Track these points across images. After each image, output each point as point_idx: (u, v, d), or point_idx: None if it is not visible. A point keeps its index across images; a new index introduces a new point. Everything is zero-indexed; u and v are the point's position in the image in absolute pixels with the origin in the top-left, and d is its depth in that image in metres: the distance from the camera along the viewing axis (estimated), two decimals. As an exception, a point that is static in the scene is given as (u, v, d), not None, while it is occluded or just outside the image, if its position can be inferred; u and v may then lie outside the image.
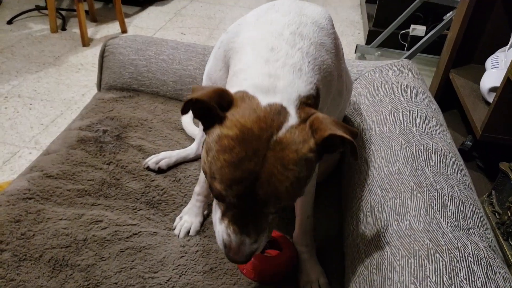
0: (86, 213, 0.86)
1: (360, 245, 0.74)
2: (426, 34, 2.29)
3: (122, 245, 0.81)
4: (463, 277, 0.56)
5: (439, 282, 0.56)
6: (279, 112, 0.56)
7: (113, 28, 2.76)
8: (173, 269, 0.78)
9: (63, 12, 2.81)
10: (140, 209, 0.91)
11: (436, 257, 0.59)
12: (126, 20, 2.78)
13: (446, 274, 0.56)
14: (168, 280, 0.76)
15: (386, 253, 0.65)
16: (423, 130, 0.88)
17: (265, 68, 0.61)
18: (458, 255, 0.59)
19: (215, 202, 0.62)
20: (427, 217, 0.67)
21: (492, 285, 0.55)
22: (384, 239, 0.68)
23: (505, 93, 1.23)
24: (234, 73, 0.64)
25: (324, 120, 0.56)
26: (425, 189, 0.73)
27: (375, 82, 1.09)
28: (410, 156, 0.81)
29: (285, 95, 0.58)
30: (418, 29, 2.41)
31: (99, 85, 1.30)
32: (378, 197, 0.78)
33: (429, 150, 0.82)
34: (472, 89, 1.53)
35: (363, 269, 0.69)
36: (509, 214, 1.16)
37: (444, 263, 0.58)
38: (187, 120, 1.17)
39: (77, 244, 0.80)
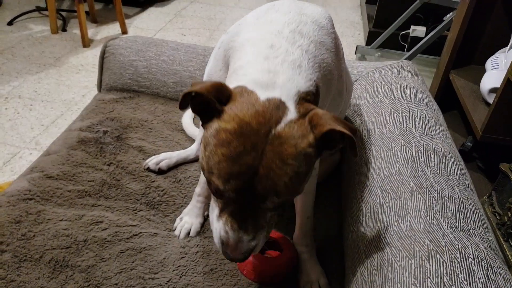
0: (87, 214, 0.86)
1: (360, 245, 0.74)
2: (426, 35, 2.29)
3: (123, 246, 0.81)
4: (464, 278, 0.56)
5: (439, 283, 0.56)
6: (278, 106, 0.56)
7: (113, 29, 2.77)
8: (174, 270, 0.78)
9: (64, 13, 2.82)
10: (141, 210, 0.91)
11: (437, 258, 0.59)
12: (126, 21, 2.78)
13: (447, 275, 0.56)
14: (168, 281, 0.76)
15: (386, 254, 0.65)
16: (424, 131, 0.88)
17: (265, 64, 0.60)
18: (459, 256, 0.59)
19: (212, 200, 0.61)
20: (428, 218, 0.67)
21: (492, 286, 0.55)
22: (384, 240, 0.68)
23: (505, 94, 1.23)
24: (233, 71, 0.64)
25: (324, 116, 0.55)
26: (425, 190, 0.73)
27: (375, 83, 1.09)
28: (411, 157, 0.81)
29: (284, 90, 0.58)
30: (418, 30, 2.41)
31: (100, 86, 1.31)
32: (378, 198, 0.78)
33: (430, 151, 0.82)
34: (472, 90, 1.53)
35: (364, 270, 0.69)
36: (510, 215, 1.16)
37: (444, 264, 0.58)
38: (188, 121, 1.17)
39: (77, 245, 0.80)
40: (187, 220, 0.88)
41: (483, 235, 0.65)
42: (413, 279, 0.58)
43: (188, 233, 0.87)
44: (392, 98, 1.01)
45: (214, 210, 0.61)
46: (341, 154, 1.07)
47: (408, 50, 2.40)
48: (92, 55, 2.41)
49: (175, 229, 0.88)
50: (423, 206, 0.70)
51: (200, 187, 0.89)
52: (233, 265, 0.81)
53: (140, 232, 0.84)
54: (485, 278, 0.56)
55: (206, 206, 0.91)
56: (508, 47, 1.47)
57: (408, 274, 0.59)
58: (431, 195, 0.71)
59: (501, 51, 1.53)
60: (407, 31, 2.48)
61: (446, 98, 1.73)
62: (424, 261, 0.59)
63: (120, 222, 0.86)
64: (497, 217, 1.22)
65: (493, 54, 1.55)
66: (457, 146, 0.99)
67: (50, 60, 2.35)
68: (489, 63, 1.51)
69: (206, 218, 0.91)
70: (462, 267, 0.57)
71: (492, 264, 0.59)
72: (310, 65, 0.63)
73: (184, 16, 3.06)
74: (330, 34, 0.70)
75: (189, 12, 3.14)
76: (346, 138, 0.56)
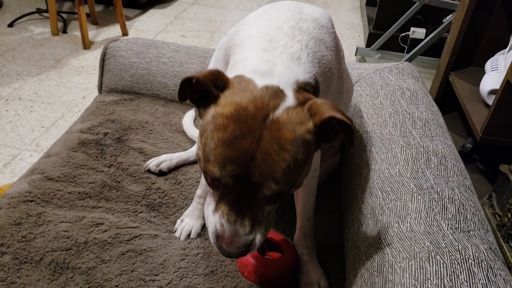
0: (87, 215, 0.86)
1: (361, 247, 0.74)
2: (426, 36, 2.29)
3: (123, 247, 0.81)
4: (464, 279, 0.56)
5: (440, 285, 0.56)
6: (276, 93, 0.55)
7: (114, 31, 2.77)
8: (174, 272, 0.78)
9: (64, 15, 2.82)
10: (141, 212, 0.91)
11: (437, 259, 0.59)
12: (127, 23, 2.79)
13: (447, 276, 0.57)
14: (169, 283, 0.76)
15: (387, 255, 0.65)
16: (424, 133, 0.88)
17: (263, 55, 0.60)
18: (459, 257, 0.59)
19: (208, 195, 0.60)
20: (428, 219, 0.67)
21: (493, 287, 0.55)
22: (384, 241, 0.68)
23: (505, 96, 1.23)
24: (232, 65, 0.64)
25: (323, 104, 0.55)
26: (425, 191, 0.73)
27: (376, 85, 1.10)
28: (411, 158, 0.81)
29: (283, 78, 0.58)
30: (418, 32, 2.42)
31: (100, 88, 1.31)
32: (378, 199, 0.78)
33: (430, 153, 0.82)
34: (472, 92, 1.53)
35: (364, 271, 0.69)
36: (510, 216, 1.16)
37: (445, 265, 0.58)
38: (188, 123, 1.17)
39: (77, 247, 0.80)
40: (188, 222, 0.88)
41: (483, 236, 0.65)
42: (413, 281, 0.58)
43: (189, 235, 0.87)
44: (392, 99, 1.01)
45: (210, 205, 0.59)
46: (341, 155, 1.07)
47: (408, 52, 2.40)
48: (93, 57, 2.42)
49: (175, 231, 0.88)
50: (423, 208, 0.70)
51: (201, 189, 0.89)
52: (233, 267, 0.81)
53: (141, 234, 0.84)
54: (485, 279, 0.56)
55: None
56: (507, 48, 1.47)
57: (408, 276, 0.59)
58: (431, 197, 0.71)
59: (500, 52, 1.53)
60: (407, 33, 2.49)
61: (446, 100, 1.74)
62: (425, 262, 0.59)
63: (120, 224, 0.86)
64: (497, 219, 1.22)
65: (492, 55, 1.55)
66: (457, 148, 1.00)
67: (51, 62, 2.35)
68: (488, 65, 1.51)
69: (206, 220, 0.91)
70: (463, 268, 0.57)
71: (492, 266, 0.59)
72: (309, 59, 0.62)
73: (185, 18, 3.07)
74: (330, 33, 0.71)
75: (189, 14, 3.15)
76: (345, 126, 0.55)
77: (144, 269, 0.78)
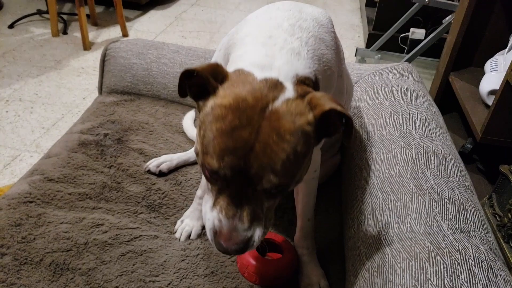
0: (87, 216, 0.86)
1: (361, 247, 0.74)
2: (425, 37, 2.29)
3: (123, 248, 0.81)
4: (464, 279, 0.56)
5: (440, 285, 0.56)
6: (275, 85, 0.55)
7: (114, 32, 2.77)
8: (174, 273, 0.78)
9: (65, 16, 2.83)
10: (141, 213, 0.91)
11: (437, 259, 0.59)
12: (127, 24, 2.79)
13: (447, 277, 0.57)
14: (169, 284, 0.76)
15: (387, 256, 0.65)
16: (423, 133, 0.88)
17: (263, 50, 0.60)
18: (459, 258, 0.59)
19: (207, 191, 0.59)
20: (428, 219, 0.67)
21: (493, 287, 0.55)
22: (385, 242, 0.68)
23: (504, 96, 1.23)
24: (232, 61, 0.64)
25: (323, 97, 0.55)
26: (425, 191, 0.73)
27: (375, 85, 1.10)
28: (411, 159, 0.81)
29: (282, 71, 0.57)
30: (417, 33, 2.42)
31: (100, 89, 1.31)
32: (378, 199, 0.78)
33: (430, 153, 0.82)
34: (471, 92, 1.53)
35: (364, 272, 0.69)
36: (510, 216, 1.16)
37: (445, 265, 0.58)
38: (188, 123, 1.17)
39: (78, 247, 0.80)
40: (188, 223, 0.88)
41: (483, 236, 0.65)
42: (413, 281, 0.58)
43: (189, 235, 0.87)
44: (392, 100, 1.01)
45: (208, 202, 0.58)
46: (341, 156, 1.07)
47: (407, 53, 2.40)
48: (93, 58, 2.42)
49: (175, 232, 0.88)
50: (423, 208, 0.70)
51: (202, 189, 0.89)
52: (234, 268, 0.81)
53: (141, 235, 0.84)
54: (485, 280, 0.56)
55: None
56: (506, 49, 1.47)
57: (408, 276, 0.59)
58: (431, 197, 0.71)
59: (500, 53, 1.53)
60: (406, 33, 2.49)
61: (446, 100, 1.74)
62: (425, 262, 0.59)
63: (120, 225, 0.86)
64: (497, 219, 1.22)
65: (492, 56, 1.55)
66: (457, 148, 1.00)
67: (51, 63, 2.35)
68: (488, 65, 1.51)
69: (206, 221, 0.91)
70: (463, 268, 0.57)
71: (492, 266, 0.59)
72: (309, 56, 0.62)
73: (185, 19, 3.07)
74: (330, 32, 0.71)
75: (189, 15, 3.15)
76: (345, 118, 0.54)
77: (144, 270, 0.78)
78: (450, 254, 0.60)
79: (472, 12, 1.54)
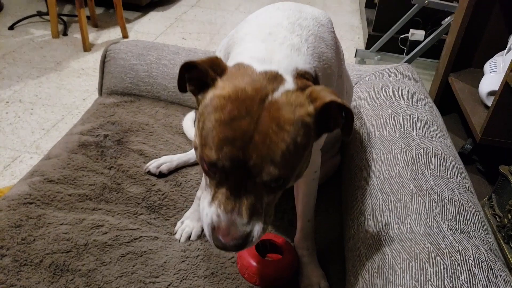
0: (87, 217, 0.86)
1: (361, 248, 0.74)
2: (425, 38, 2.30)
3: (123, 249, 0.81)
4: (464, 280, 0.56)
5: (440, 286, 0.56)
6: (275, 77, 0.54)
7: (114, 33, 2.78)
8: (174, 274, 0.78)
9: (65, 18, 2.83)
10: (141, 214, 0.91)
11: (437, 260, 0.59)
12: (127, 25, 2.79)
13: (447, 278, 0.57)
14: (169, 285, 0.76)
15: (387, 257, 0.65)
16: (423, 134, 0.88)
17: (262, 45, 0.60)
18: (459, 258, 0.59)
19: (205, 186, 0.58)
20: (428, 220, 0.68)
21: (493, 288, 0.56)
22: (385, 243, 0.68)
23: (504, 97, 1.23)
24: (231, 59, 0.65)
25: (323, 90, 0.54)
26: (425, 192, 0.73)
27: (375, 86, 1.10)
28: (410, 159, 0.81)
29: (282, 65, 0.57)
30: (417, 34, 2.42)
31: (100, 90, 1.31)
32: (378, 200, 0.78)
33: (429, 154, 0.82)
34: (471, 93, 1.54)
35: (364, 273, 0.69)
36: (510, 217, 1.16)
37: (445, 266, 0.58)
38: (188, 124, 1.17)
39: (78, 249, 0.80)
40: (188, 224, 0.88)
41: (483, 237, 0.65)
42: (414, 282, 0.58)
43: (189, 237, 0.87)
44: (391, 101, 1.01)
45: (206, 198, 0.57)
46: (341, 157, 1.07)
47: (407, 54, 2.41)
48: (93, 59, 2.42)
49: (176, 233, 0.88)
50: (423, 209, 0.70)
51: (202, 190, 0.89)
52: (234, 269, 0.81)
53: (141, 236, 0.84)
54: (485, 280, 0.56)
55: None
56: (505, 50, 1.47)
57: (409, 277, 0.59)
58: (431, 198, 0.71)
59: (499, 54, 1.54)
60: (406, 34, 2.49)
61: (446, 101, 1.74)
62: (425, 263, 0.59)
63: (120, 226, 0.86)
64: (497, 220, 1.22)
65: (491, 57, 1.56)
66: (456, 149, 1.00)
67: (51, 64, 2.35)
68: (487, 66, 1.51)
69: (206, 222, 0.91)
70: (463, 269, 0.57)
71: (492, 267, 0.59)
72: (309, 52, 0.62)
73: (185, 21, 3.07)
74: (330, 32, 0.71)
75: (189, 17, 3.15)
76: (345, 112, 0.54)
77: (144, 271, 0.78)
78: (450, 255, 0.60)
79: (471, 13, 1.55)
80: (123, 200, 0.93)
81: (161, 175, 1.01)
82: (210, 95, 0.54)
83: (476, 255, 0.60)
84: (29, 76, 2.22)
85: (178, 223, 0.89)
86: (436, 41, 2.12)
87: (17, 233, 0.81)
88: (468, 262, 0.59)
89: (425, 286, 0.57)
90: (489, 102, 1.39)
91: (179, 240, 0.86)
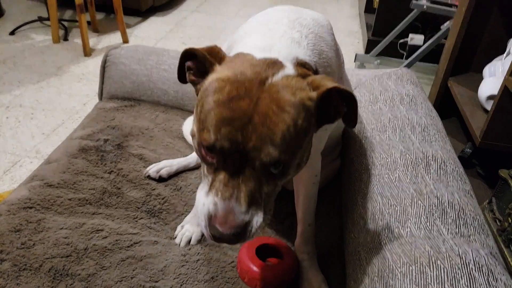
0: (87, 222, 0.86)
1: (361, 252, 0.74)
2: (424, 43, 2.31)
3: (123, 254, 0.81)
4: (465, 284, 0.56)
5: (440, 290, 0.56)
6: (275, 63, 0.54)
7: (114, 38, 2.79)
8: (174, 278, 0.78)
9: (65, 23, 2.85)
10: (141, 218, 0.91)
11: (438, 264, 0.59)
12: (127, 30, 2.80)
13: (448, 281, 0.56)
14: (169, 289, 0.76)
15: (387, 261, 0.65)
16: (423, 138, 0.89)
17: (262, 38, 0.61)
18: (459, 262, 0.59)
19: (202, 177, 0.56)
20: (428, 224, 0.67)
21: (494, 292, 0.55)
22: (385, 247, 0.68)
23: (503, 101, 1.23)
24: (231, 54, 0.65)
25: (324, 78, 0.54)
26: (425, 196, 0.73)
27: (375, 91, 1.10)
28: (410, 163, 0.82)
29: (282, 53, 0.57)
30: (416, 38, 2.43)
31: (101, 95, 1.31)
32: (378, 204, 0.78)
33: (429, 158, 0.82)
34: (470, 97, 1.54)
35: (365, 277, 0.69)
36: (510, 221, 1.16)
37: (445, 270, 0.58)
38: (189, 129, 1.18)
39: (77, 253, 0.79)
40: (188, 228, 0.88)
41: (483, 241, 0.65)
42: (414, 286, 0.58)
43: (189, 241, 0.87)
44: (391, 105, 1.02)
45: (203, 188, 0.54)
46: (341, 160, 1.07)
47: (406, 58, 2.41)
48: (94, 64, 2.43)
49: (175, 237, 0.88)
50: (423, 212, 0.70)
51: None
52: (234, 273, 0.80)
53: (141, 240, 0.84)
54: (486, 284, 0.56)
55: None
56: (505, 54, 1.48)
57: (409, 281, 0.59)
58: (431, 202, 0.71)
59: (498, 58, 1.54)
60: (405, 39, 2.50)
61: (445, 105, 1.74)
62: (425, 267, 0.59)
63: (120, 230, 0.85)
64: (498, 223, 1.22)
65: (490, 61, 1.56)
66: (456, 153, 1.00)
67: (52, 69, 2.36)
68: (486, 71, 1.52)
69: (206, 226, 0.91)
70: (463, 273, 0.57)
71: (493, 270, 0.59)
72: (309, 48, 0.62)
73: (185, 26, 3.09)
74: (330, 34, 0.72)
75: (190, 22, 3.17)
76: (348, 100, 0.53)
77: (144, 276, 0.78)
78: (450, 259, 0.59)
79: (470, 18, 1.55)
80: (123, 204, 0.93)
81: (161, 179, 1.01)
82: (209, 80, 0.54)
83: (477, 259, 0.60)
84: (29, 81, 2.23)
85: (178, 228, 0.89)
86: (435, 45, 2.13)
87: (16, 237, 0.80)
88: (469, 265, 0.58)
89: (425, 290, 0.56)
90: (489, 106, 1.39)
91: (179, 245, 0.86)
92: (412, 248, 0.64)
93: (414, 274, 0.59)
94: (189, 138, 1.16)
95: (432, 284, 0.57)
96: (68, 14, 3.07)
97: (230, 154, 0.50)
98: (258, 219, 0.51)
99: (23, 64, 2.39)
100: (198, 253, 0.84)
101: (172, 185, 1.01)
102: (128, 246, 0.82)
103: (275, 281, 0.78)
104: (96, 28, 2.86)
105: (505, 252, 1.13)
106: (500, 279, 0.58)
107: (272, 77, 0.51)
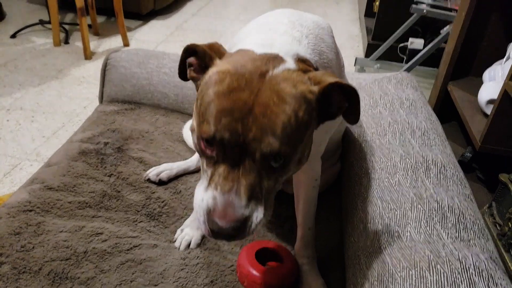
0: (87, 225, 0.86)
1: (361, 256, 0.74)
2: (424, 47, 2.32)
3: (123, 257, 0.81)
4: (465, 289, 0.56)
5: (440, 294, 0.55)
6: (275, 57, 0.54)
7: (115, 41, 2.80)
8: (174, 282, 0.78)
9: (66, 26, 2.86)
10: (141, 221, 0.91)
11: (437, 268, 0.59)
12: (128, 33, 2.81)
13: (448, 286, 0.56)
14: (168, 293, 0.76)
15: (387, 265, 0.65)
16: (423, 142, 0.89)
17: (263, 36, 0.61)
18: (459, 267, 0.59)
19: (202, 173, 0.55)
20: (428, 228, 0.67)
21: (494, 297, 0.55)
22: (385, 251, 0.68)
23: (503, 105, 1.24)
24: None
25: (325, 74, 0.54)
26: (425, 200, 0.73)
27: (375, 95, 1.11)
28: (410, 167, 0.82)
29: (283, 49, 0.57)
30: (416, 42, 2.44)
31: (101, 98, 1.32)
32: (378, 208, 0.78)
33: (429, 162, 0.82)
34: (470, 101, 1.54)
35: (365, 281, 0.69)
36: (510, 225, 1.16)
37: (445, 274, 0.58)
38: (188, 132, 1.18)
39: (77, 256, 0.79)
40: (188, 232, 0.88)
41: (483, 245, 0.65)
42: (414, 290, 0.58)
43: (189, 245, 0.87)
44: (391, 109, 1.02)
45: (201, 184, 0.53)
46: (341, 164, 1.07)
47: (406, 62, 2.42)
48: (94, 67, 2.44)
49: (175, 241, 0.88)
50: (423, 217, 0.70)
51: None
52: (233, 277, 0.80)
53: (140, 244, 0.84)
54: (486, 289, 0.56)
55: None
56: (504, 59, 1.48)
57: (409, 285, 0.59)
58: (431, 206, 0.71)
59: (497, 63, 1.55)
60: (405, 43, 2.51)
61: (445, 109, 1.74)
62: (425, 271, 0.59)
63: (120, 234, 0.85)
64: (498, 228, 1.22)
65: (490, 66, 1.57)
66: (456, 157, 1.00)
67: (52, 72, 2.37)
68: (486, 75, 1.52)
69: (206, 229, 0.91)
70: (463, 277, 0.57)
71: (493, 275, 0.59)
72: (310, 47, 0.62)
73: (186, 29, 3.10)
74: (330, 36, 0.72)
75: (190, 25, 3.18)
76: (351, 93, 0.53)
77: (143, 279, 0.77)
78: (450, 263, 0.59)
79: (469, 22, 1.56)
80: (122, 207, 0.93)
81: (161, 182, 1.01)
82: (209, 73, 0.54)
83: (477, 264, 0.60)
84: (30, 84, 2.23)
85: (178, 231, 0.89)
86: (435, 49, 2.13)
87: (16, 240, 0.80)
88: (469, 270, 0.58)
89: (425, 294, 0.56)
90: (488, 110, 1.39)
91: (179, 248, 0.86)
92: (412, 252, 0.64)
93: (414, 278, 0.59)
94: (189, 142, 1.16)
95: (432, 288, 0.56)
96: (69, 17, 3.09)
97: (230, 146, 0.49)
98: (258, 214, 0.50)
99: (24, 67, 2.39)
100: (197, 257, 0.84)
101: (172, 189, 1.01)
102: (128, 250, 0.82)
103: (275, 285, 0.78)
104: (97, 32, 2.87)
105: (505, 257, 1.13)
106: (500, 284, 0.58)
107: (272, 70, 0.51)
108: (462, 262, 0.59)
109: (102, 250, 0.81)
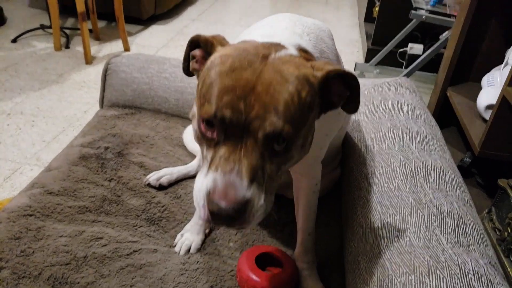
0: (87, 230, 0.86)
1: (360, 261, 0.74)
2: (423, 52, 2.33)
3: (123, 262, 0.80)
4: (464, 294, 0.56)
5: (440, 300, 0.55)
6: (278, 44, 0.55)
7: (116, 46, 2.81)
8: (174, 287, 0.78)
9: (67, 31, 2.87)
10: (141, 226, 0.91)
11: (437, 273, 0.59)
12: (129, 38, 2.83)
13: (447, 291, 0.56)
14: (168, 298, 0.76)
15: (386, 270, 0.65)
16: (422, 147, 0.89)
17: (265, 30, 0.64)
18: (459, 272, 0.59)
19: (201, 162, 0.55)
20: (427, 233, 0.68)
21: (493, 302, 0.55)
22: (384, 256, 0.68)
23: (501, 111, 1.24)
24: None
25: (327, 63, 0.54)
26: (424, 205, 0.73)
27: (374, 100, 1.11)
28: (409, 172, 0.82)
29: (284, 39, 0.58)
30: (415, 48, 2.45)
31: (102, 102, 1.32)
32: (378, 213, 0.78)
33: (428, 167, 0.83)
34: (469, 107, 1.55)
35: (364, 286, 0.69)
36: (509, 230, 1.16)
37: (444, 280, 0.58)
38: (189, 137, 1.18)
39: (77, 261, 0.79)
40: (188, 237, 0.88)
41: (482, 250, 0.65)
42: (413, 296, 0.58)
43: (189, 249, 0.87)
44: (390, 114, 1.02)
45: (201, 172, 0.51)
46: (341, 170, 1.07)
47: (406, 67, 2.43)
48: (95, 72, 2.45)
49: (175, 246, 0.88)
50: (422, 222, 0.70)
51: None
52: (233, 282, 0.80)
53: (140, 248, 0.84)
54: (485, 295, 0.56)
55: (208, 224, 0.91)
56: (503, 64, 1.49)
57: (408, 291, 0.59)
58: (430, 211, 0.72)
59: (496, 68, 1.56)
60: (404, 48, 2.53)
61: (444, 114, 1.75)
62: (424, 277, 0.59)
63: (120, 238, 0.85)
64: (497, 233, 1.22)
65: (488, 71, 1.57)
66: (455, 162, 1.00)
67: (53, 76, 2.38)
68: (485, 80, 1.53)
69: (207, 236, 0.91)
70: (462, 283, 0.57)
71: (492, 280, 0.59)
72: (311, 44, 0.64)
73: (186, 34, 3.11)
74: (331, 39, 0.73)
75: (191, 30, 3.20)
76: (351, 81, 0.54)
77: (143, 284, 0.77)
78: (449, 268, 0.59)
79: (468, 28, 1.57)
80: (123, 212, 0.93)
81: (161, 187, 1.01)
82: (211, 58, 0.54)
83: (476, 269, 0.60)
84: (31, 88, 2.24)
85: (178, 236, 0.89)
86: (435, 55, 2.15)
87: (16, 245, 0.80)
88: (468, 275, 0.58)
89: (425, 300, 0.56)
90: (487, 115, 1.40)
91: (179, 253, 0.86)
92: (411, 257, 0.64)
93: (413, 283, 0.59)
94: (189, 146, 1.16)
95: (432, 294, 0.57)
96: (70, 22, 3.10)
97: (231, 125, 0.47)
98: (259, 199, 0.48)
99: (25, 72, 2.40)
100: (197, 262, 0.84)
101: (172, 193, 1.01)
102: (128, 254, 0.82)
103: (274, 290, 0.78)
104: (98, 36, 2.88)
105: (505, 262, 1.13)
106: (500, 289, 0.58)
107: (275, 53, 0.52)
108: (462, 268, 0.60)
109: (102, 254, 0.81)
